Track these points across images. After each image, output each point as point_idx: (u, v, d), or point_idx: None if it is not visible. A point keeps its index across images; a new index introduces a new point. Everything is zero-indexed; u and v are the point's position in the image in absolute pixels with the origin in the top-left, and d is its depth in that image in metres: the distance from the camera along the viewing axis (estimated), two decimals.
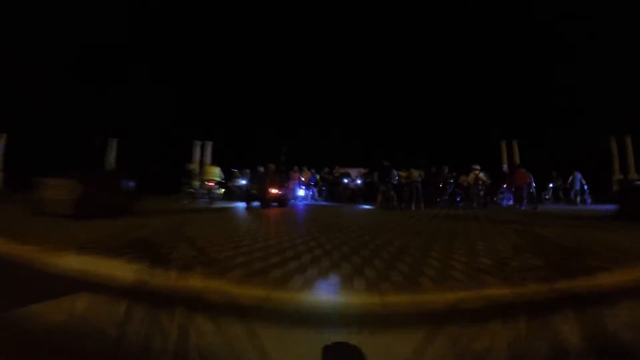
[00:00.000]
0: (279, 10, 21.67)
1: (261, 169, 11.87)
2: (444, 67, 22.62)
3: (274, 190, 10.26)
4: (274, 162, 15.13)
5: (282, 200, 10.64)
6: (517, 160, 21.74)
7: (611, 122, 17.41)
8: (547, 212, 9.21)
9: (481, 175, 11.83)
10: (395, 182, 10.67)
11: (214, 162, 18.07)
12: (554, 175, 14.83)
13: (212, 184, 12.78)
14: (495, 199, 13.12)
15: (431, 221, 6.66)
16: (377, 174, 10.95)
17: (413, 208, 10.26)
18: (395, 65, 22.48)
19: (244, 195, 11.71)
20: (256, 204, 10.59)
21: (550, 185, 15.09)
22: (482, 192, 11.75)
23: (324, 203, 13.73)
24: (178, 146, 20.70)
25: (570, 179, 13.36)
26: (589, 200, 13.22)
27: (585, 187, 13.13)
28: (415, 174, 10.60)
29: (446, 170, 12.50)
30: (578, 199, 12.89)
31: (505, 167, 14.74)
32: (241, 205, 11.13)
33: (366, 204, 12.07)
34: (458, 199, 13.01)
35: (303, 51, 21.74)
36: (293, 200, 14.77)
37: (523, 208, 10.60)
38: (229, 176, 17.53)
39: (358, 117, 22.41)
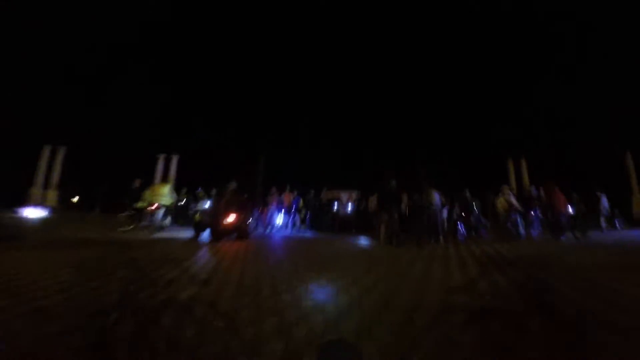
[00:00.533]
0: (270, 14, 19.67)
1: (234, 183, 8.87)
2: (447, 80, 20.67)
3: (229, 219, 7.19)
4: (246, 181, 12.28)
5: (241, 231, 7.55)
6: (527, 180, 19.41)
7: (627, 136, 16.06)
8: (601, 244, 6.59)
9: (513, 200, 9.07)
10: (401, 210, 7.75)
11: (179, 180, 14.88)
12: (575, 197, 12.76)
13: (154, 207, 9.74)
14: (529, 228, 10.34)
15: (500, 285, 3.61)
16: (377, 199, 7.98)
17: (433, 241, 7.43)
18: (394, 78, 20.40)
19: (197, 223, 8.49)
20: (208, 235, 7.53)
21: (570, 209, 13.31)
22: (516, 222, 8.94)
23: (307, 235, 10.58)
24: (142, 159, 17.64)
25: (603, 202, 11.78)
26: (619, 225, 12.09)
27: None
28: (433, 196, 7.73)
29: (467, 194, 9.67)
30: (604, 223, 11.50)
31: (534, 188, 12.01)
32: (187, 236, 7.99)
33: (362, 237, 9.04)
34: (483, 231, 10.11)
35: (293, 56, 19.51)
36: (270, 229, 11.67)
37: (564, 239, 8.36)
38: (194, 198, 14.37)
39: (351, 133, 19.94)
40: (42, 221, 12.46)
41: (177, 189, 14.98)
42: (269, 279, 3.49)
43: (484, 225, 10.08)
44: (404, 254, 5.76)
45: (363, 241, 7.91)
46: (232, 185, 7.94)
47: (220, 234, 7.12)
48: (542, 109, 19.82)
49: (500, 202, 9.16)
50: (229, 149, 18.62)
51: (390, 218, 7.10)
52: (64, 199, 17.98)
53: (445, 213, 9.77)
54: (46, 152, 16.42)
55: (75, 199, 24.71)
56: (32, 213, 14.58)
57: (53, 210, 15.43)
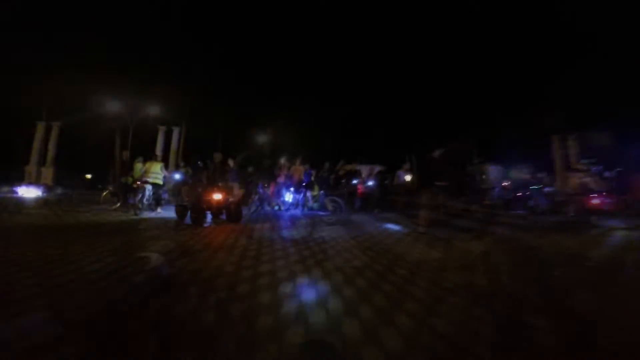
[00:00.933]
0: None
1: (218, 155, 7.18)
2: (487, 46, 17.76)
3: (216, 197, 5.46)
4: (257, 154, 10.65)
5: (232, 213, 5.85)
6: (574, 159, 16.75)
7: None
8: None
9: (588, 180, 6.90)
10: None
11: (186, 152, 13.40)
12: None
13: (139, 183, 8.24)
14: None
15: None
16: (417, 174, 5.96)
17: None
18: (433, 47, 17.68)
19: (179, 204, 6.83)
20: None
21: None
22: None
23: (321, 214, 8.76)
24: (140, 132, 16.16)
25: None
26: None
27: None
28: (490, 173, 5.71)
29: (525, 172, 7.54)
30: None
31: (598, 169, 9.26)
32: (170, 220, 6.38)
33: (390, 221, 7.10)
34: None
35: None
36: (277, 208, 9.99)
37: None
38: (194, 174, 12.80)
39: (377, 99, 17.70)
40: (35, 202, 11.33)
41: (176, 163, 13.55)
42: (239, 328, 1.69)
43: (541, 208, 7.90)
44: (459, 253, 3.82)
45: (395, 229, 5.95)
46: (217, 157, 6.22)
47: (202, 216, 5.44)
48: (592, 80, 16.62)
49: (572, 182, 7.01)
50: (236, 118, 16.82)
51: (431, 199, 5.11)
52: (72, 177, 16.94)
53: (538, 197, 7.71)
54: (41, 129, 15.22)
55: (89, 176, 23.95)
56: (27, 192, 13.66)
57: (48, 188, 14.48)
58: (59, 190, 14.74)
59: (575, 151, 16.24)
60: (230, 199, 5.74)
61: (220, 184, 5.70)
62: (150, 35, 18.26)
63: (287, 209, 9.69)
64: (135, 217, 7.13)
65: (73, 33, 15.82)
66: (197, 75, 18.70)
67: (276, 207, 10.00)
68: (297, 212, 9.35)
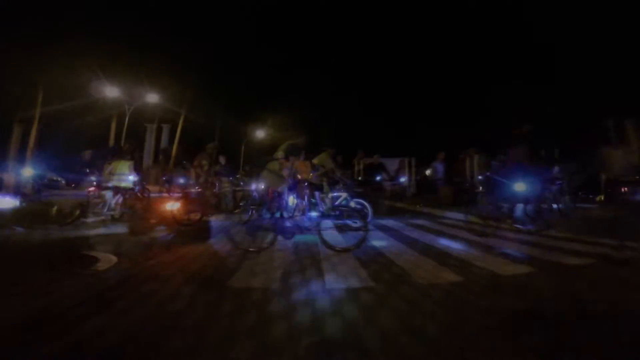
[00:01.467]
0: None
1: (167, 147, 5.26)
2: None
3: (171, 206, 3.47)
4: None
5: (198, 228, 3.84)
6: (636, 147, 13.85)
7: None
8: None
9: None
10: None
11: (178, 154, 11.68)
12: None
13: (92, 190, 6.41)
14: None
15: None
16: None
17: None
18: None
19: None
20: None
21: None
22: None
23: (338, 223, 6.52)
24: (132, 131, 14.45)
25: None
26: None
27: None
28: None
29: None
30: None
31: None
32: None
33: (445, 237, 4.84)
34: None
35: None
36: (277, 214, 7.90)
37: None
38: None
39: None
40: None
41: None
42: None
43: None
44: None
45: (463, 254, 3.71)
46: (166, 149, 4.33)
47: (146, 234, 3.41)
48: None
49: None
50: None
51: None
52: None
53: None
54: (18, 130, 13.66)
55: None
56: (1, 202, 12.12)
57: (27, 197, 12.94)
58: (40, 198, 13.19)
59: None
60: (194, 209, 3.71)
61: (178, 187, 3.69)
62: (146, 31, 16.58)
63: (291, 216, 7.59)
64: (75, 232, 5.20)
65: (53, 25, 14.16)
66: (194, 72, 16.96)
67: (277, 214, 7.90)
68: (304, 219, 7.22)
